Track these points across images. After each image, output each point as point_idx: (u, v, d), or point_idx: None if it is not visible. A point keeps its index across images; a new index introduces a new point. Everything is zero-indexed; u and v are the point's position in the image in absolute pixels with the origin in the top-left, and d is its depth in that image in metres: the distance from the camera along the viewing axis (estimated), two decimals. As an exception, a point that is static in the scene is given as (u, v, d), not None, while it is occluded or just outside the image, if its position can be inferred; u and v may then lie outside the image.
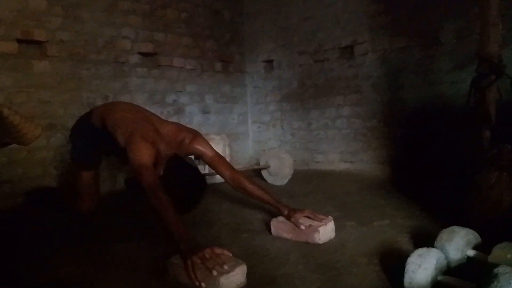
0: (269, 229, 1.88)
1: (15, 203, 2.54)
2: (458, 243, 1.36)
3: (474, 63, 2.01)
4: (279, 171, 3.21)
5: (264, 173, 3.32)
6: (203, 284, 1.28)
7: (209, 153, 2.03)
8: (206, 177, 2.08)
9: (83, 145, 2.21)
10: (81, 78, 2.99)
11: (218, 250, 1.41)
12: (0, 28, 2.58)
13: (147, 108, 3.37)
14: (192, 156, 2.10)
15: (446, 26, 2.88)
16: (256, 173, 3.46)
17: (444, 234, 1.41)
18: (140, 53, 3.36)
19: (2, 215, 2.42)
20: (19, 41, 2.68)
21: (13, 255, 1.71)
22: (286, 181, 3.18)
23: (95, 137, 2.12)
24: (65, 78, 2.91)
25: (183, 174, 1.83)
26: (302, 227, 1.74)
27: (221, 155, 2.09)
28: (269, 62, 4.15)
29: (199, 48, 3.84)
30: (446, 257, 1.31)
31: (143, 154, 1.70)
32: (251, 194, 1.97)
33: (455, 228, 1.42)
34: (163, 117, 3.50)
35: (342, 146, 3.59)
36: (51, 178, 2.80)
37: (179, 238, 1.40)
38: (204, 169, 2.81)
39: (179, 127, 2.11)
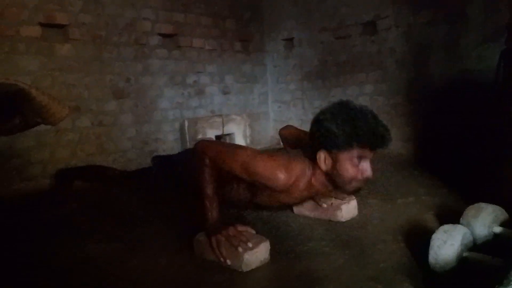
0: (291, 208, 1.89)
1: (45, 183, 2.62)
2: (484, 220, 1.34)
3: (503, 36, 1.93)
4: (301, 150, 3.20)
5: (285, 152, 3.32)
6: (228, 261, 1.31)
7: None
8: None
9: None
10: (103, 61, 3.03)
11: (241, 228, 1.43)
12: (23, 13, 2.63)
13: (168, 89, 3.41)
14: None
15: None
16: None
17: (470, 211, 1.39)
18: (160, 34, 3.36)
19: (29, 196, 2.51)
20: (42, 25, 2.71)
21: (43, 234, 1.78)
22: (307, 160, 3.17)
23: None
24: (88, 61, 2.94)
25: None
26: (324, 205, 1.74)
27: None
28: (289, 40, 4.09)
29: (219, 28, 3.82)
30: (472, 234, 1.29)
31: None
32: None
33: (482, 204, 1.40)
34: (184, 98, 3.54)
35: (364, 124, 3.54)
36: (78, 159, 2.87)
37: (208, 214, 1.41)
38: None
39: None
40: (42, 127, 1.14)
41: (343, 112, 1.32)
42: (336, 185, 1.40)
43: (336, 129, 1.30)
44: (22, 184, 2.63)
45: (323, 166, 1.37)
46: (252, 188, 1.51)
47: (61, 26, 2.81)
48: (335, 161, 1.35)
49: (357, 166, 1.33)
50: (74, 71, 2.87)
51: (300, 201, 1.69)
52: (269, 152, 1.50)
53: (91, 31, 2.94)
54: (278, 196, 1.48)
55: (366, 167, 1.34)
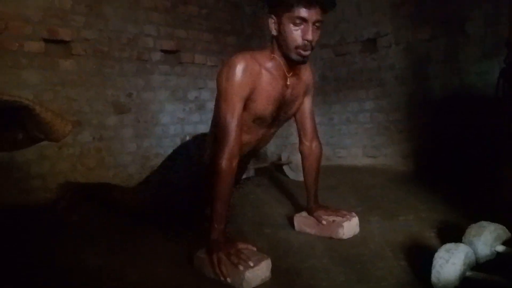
0: (293, 224, 1.88)
1: (46, 197, 2.61)
2: (487, 238, 1.33)
3: (503, 53, 1.95)
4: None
5: (286, 168, 3.32)
6: (228, 279, 1.30)
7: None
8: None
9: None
10: (106, 76, 3.04)
11: (242, 245, 1.42)
12: (27, 28, 2.65)
13: (170, 105, 3.43)
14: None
15: (473, 14, 2.81)
16: (277, 169, 3.46)
17: (472, 229, 1.38)
18: (163, 51, 3.39)
19: (32, 208, 2.50)
20: (46, 40, 2.74)
21: (39, 247, 1.76)
22: (308, 176, 3.17)
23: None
24: (90, 76, 2.96)
25: None
26: (324, 222, 1.74)
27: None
28: (290, 56, 4.12)
29: (220, 44, 3.85)
30: (475, 253, 1.29)
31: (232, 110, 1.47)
32: (307, 168, 1.89)
33: (484, 223, 1.40)
34: (185, 114, 3.56)
35: (364, 140, 3.55)
36: (78, 173, 2.87)
37: (214, 232, 1.41)
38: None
39: None
40: (45, 141, 1.14)
41: None
42: (285, 55, 1.52)
43: None
44: (21, 197, 2.62)
45: (273, 31, 1.52)
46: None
47: (64, 42, 2.83)
48: (279, 24, 1.48)
49: (297, 28, 1.45)
50: (76, 86, 2.88)
51: (278, 103, 1.63)
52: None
53: (93, 46, 2.97)
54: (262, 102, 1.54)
55: (307, 31, 1.44)
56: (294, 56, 1.50)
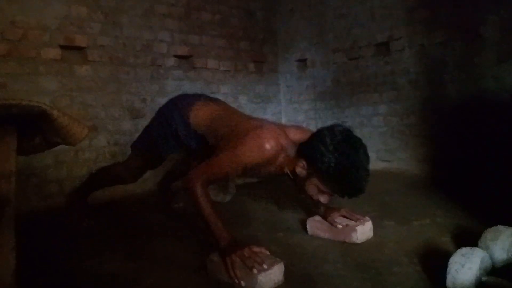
0: (305, 229, 1.87)
1: (62, 202, 2.66)
2: (503, 243, 1.31)
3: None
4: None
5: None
6: (242, 283, 1.30)
7: None
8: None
9: (167, 136, 1.92)
10: (121, 81, 3.10)
11: (256, 249, 1.42)
12: (45, 36, 2.72)
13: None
14: None
15: (488, 19, 2.77)
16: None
17: (488, 233, 1.36)
18: (176, 56, 3.43)
19: (46, 214, 2.54)
20: (62, 47, 2.80)
21: (56, 252, 1.79)
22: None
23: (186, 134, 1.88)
24: (106, 82, 3.02)
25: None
26: (339, 226, 1.73)
27: None
28: (303, 61, 4.13)
29: (233, 49, 3.88)
30: (491, 257, 1.27)
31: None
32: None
33: (500, 227, 1.37)
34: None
35: (378, 144, 3.52)
36: (94, 178, 2.91)
37: (219, 236, 1.43)
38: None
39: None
40: (61, 146, 1.17)
41: (347, 154, 1.43)
42: (295, 184, 1.59)
43: (328, 165, 1.42)
44: (39, 203, 2.67)
45: (298, 169, 1.53)
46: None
47: (80, 48, 2.89)
48: (308, 176, 1.51)
49: (320, 191, 1.53)
50: (91, 92, 2.94)
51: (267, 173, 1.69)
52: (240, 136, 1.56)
53: (109, 52, 3.03)
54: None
55: (326, 198, 1.55)
56: (300, 195, 1.63)
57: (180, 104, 1.92)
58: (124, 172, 2.17)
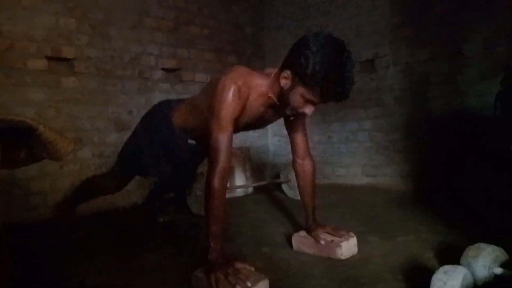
0: (291, 244, 1.88)
1: (46, 214, 2.62)
2: (485, 260, 1.33)
3: (500, 74, 1.99)
4: (301, 184, 3.20)
5: (284, 187, 3.32)
6: (226, 299, 1.30)
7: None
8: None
9: (157, 157, 1.94)
10: (108, 93, 3.09)
11: (240, 265, 1.42)
12: (32, 46, 2.70)
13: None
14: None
15: (471, 37, 2.85)
16: (276, 187, 3.46)
17: (470, 251, 1.38)
18: (164, 69, 3.44)
19: (32, 225, 2.50)
20: (49, 58, 2.78)
21: (42, 265, 1.76)
22: (307, 194, 3.17)
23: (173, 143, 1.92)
24: (93, 94, 3.00)
25: None
26: (322, 242, 1.73)
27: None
28: (290, 76, 4.17)
29: (221, 63, 3.91)
30: (473, 275, 1.29)
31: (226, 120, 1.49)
32: (302, 186, 1.91)
33: (482, 244, 1.39)
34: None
35: (364, 159, 3.56)
36: (78, 191, 2.87)
37: (213, 246, 1.42)
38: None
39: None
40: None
41: (330, 55, 1.38)
42: (280, 104, 1.55)
43: (313, 67, 1.37)
44: (23, 215, 2.62)
45: (282, 81, 1.49)
46: None
47: (67, 60, 2.88)
48: (292, 86, 1.47)
49: (305, 102, 1.49)
50: (78, 103, 2.92)
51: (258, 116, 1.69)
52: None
53: (96, 64, 3.02)
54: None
55: (310, 108, 1.51)
56: (288, 112, 1.57)
57: (165, 110, 1.99)
58: (108, 182, 2.17)
